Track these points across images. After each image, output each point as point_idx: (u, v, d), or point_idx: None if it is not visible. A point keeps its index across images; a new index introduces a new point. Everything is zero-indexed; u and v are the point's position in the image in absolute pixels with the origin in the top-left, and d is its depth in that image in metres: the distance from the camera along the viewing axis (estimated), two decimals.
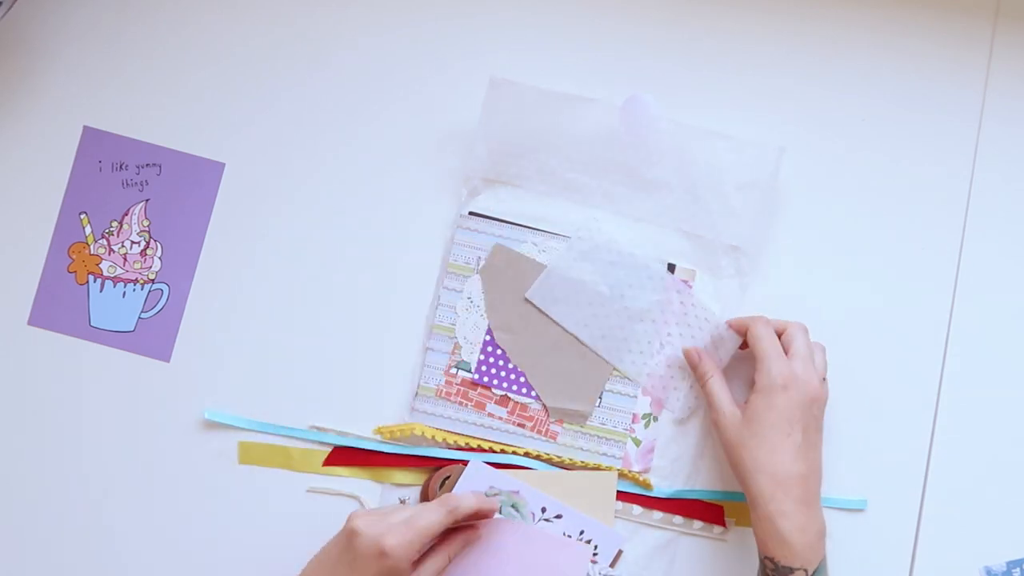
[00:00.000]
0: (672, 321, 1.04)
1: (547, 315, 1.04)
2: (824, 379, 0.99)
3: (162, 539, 1.05)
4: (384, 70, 1.09)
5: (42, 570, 1.05)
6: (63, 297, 1.07)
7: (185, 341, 1.07)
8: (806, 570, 0.92)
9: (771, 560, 0.92)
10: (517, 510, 1.02)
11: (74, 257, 1.08)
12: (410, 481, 1.04)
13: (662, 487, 1.04)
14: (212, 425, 1.06)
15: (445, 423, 1.05)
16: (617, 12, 1.09)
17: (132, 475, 1.05)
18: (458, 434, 1.04)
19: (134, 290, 1.08)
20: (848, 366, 1.04)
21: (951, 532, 1.03)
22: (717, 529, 1.04)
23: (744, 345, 1.01)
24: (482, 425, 1.04)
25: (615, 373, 1.04)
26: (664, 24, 1.09)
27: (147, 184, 1.09)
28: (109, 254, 1.08)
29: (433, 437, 1.04)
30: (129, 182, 1.09)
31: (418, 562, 0.94)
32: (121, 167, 1.09)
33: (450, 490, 1.01)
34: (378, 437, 1.05)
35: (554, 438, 1.04)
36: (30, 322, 1.07)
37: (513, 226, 1.07)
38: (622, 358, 1.04)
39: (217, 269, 1.08)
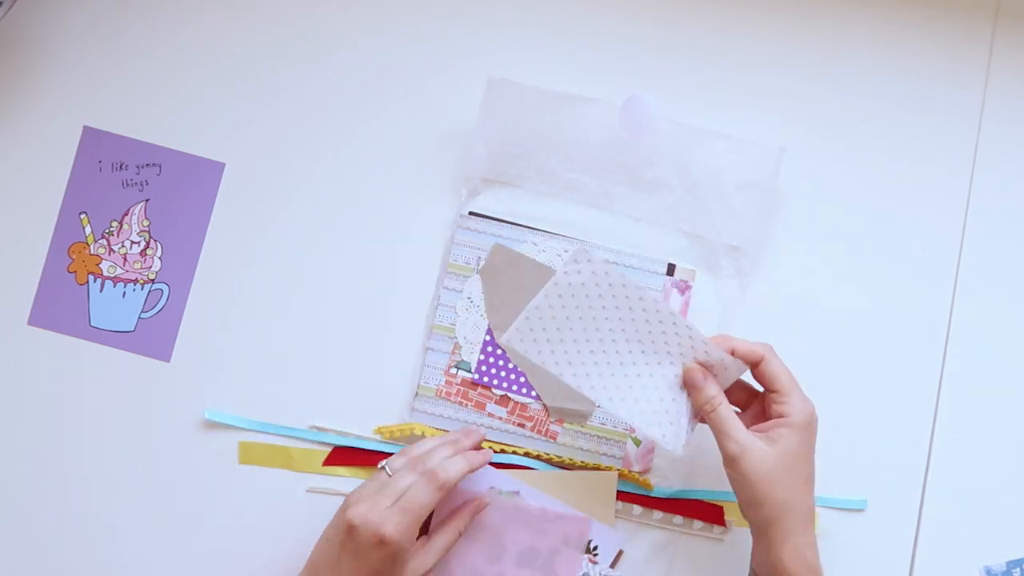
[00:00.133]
0: (664, 350, 0.95)
1: (527, 359, 0.96)
2: None
3: (162, 539, 1.05)
4: (384, 70, 1.09)
5: (42, 570, 1.05)
6: (63, 297, 1.07)
7: (185, 341, 1.07)
8: None
9: None
10: None
11: (74, 257, 1.08)
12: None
13: (662, 487, 1.04)
14: (212, 425, 1.06)
15: (445, 423, 1.05)
16: (617, 12, 1.09)
17: (132, 475, 1.05)
18: None
19: (134, 290, 1.08)
20: (848, 366, 1.04)
21: (951, 532, 1.02)
22: (717, 529, 1.04)
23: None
24: (482, 425, 1.04)
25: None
26: (664, 24, 1.09)
27: (147, 184, 1.09)
28: (109, 254, 1.08)
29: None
30: (129, 182, 1.09)
31: (429, 537, 0.97)
32: (121, 167, 1.09)
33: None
34: (378, 437, 1.05)
35: (554, 438, 1.04)
36: (30, 322, 1.07)
37: (513, 226, 1.07)
38: (611, 397, 0.96)
39: (217, 269, 1.08)
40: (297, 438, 1.05)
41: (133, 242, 1.08)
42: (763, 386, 0.95)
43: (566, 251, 1.06)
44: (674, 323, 0.94)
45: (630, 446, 1.04)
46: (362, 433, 1.05)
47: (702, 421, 0.96)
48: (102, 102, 1.09)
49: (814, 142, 1.07)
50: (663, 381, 0.95)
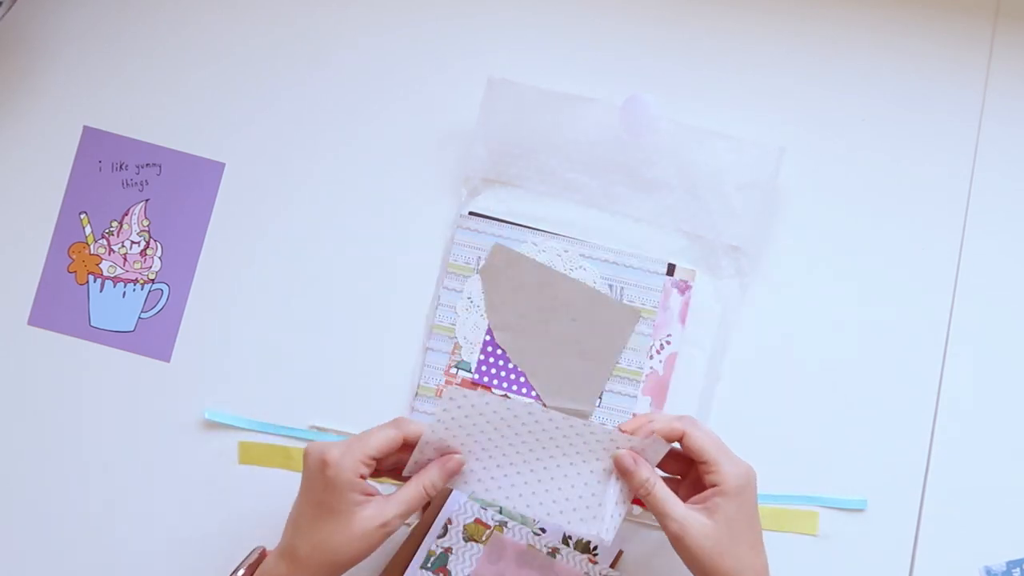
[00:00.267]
0: (584, 449, 0.94)
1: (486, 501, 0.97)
2: None
3: (162, 539, 1.05)
4: (384, 70, 1.09)
5: (42, 570, 1.05)
6: (63, 297, 1.07)
7: (185, 341, 1.07)
8: None
9: None
10: None
11: (74, 257, 1.08)
12: None
13: None
14: (212, 425, 1.06)
15: None
16: (617, 12, 1.09)
17: (132, 475, 1.05)
18: None
19: (134, 290, 1.08)
20: (848, 366, 1.04)
21: (951, 532, 1.02)
22: None
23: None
24: None
25: (614, 374, 1.04)
26: (664, 24, 1.09)
27: (147, 184, 1.09)
28: (109, 254, 1.08)
29: None
30: (129, 182, 1.09)
31: (395, 495, 0.92)
32: (121, 167, 1.09)
33: (450, 490, 1.01)
34: None
35: None
36: (30, 322, 1.07)
37: (513, 226, 1.07)
38: (541, 503, 0.94)
39: (217, 269, 1.08)
40: (297, 438, 1.05)
41: (133, 242, 1.08)
42: (692, 458, 0.94)
43: (566, 251, 1.06)
44: (572, 425, 0.92)
45: None
46: None
47: (639, 503, 0.96)
48: (102, 102, 1.09)
49: (814, 142, 1.07)
50: (590, 476, 0.94)
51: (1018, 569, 1.01)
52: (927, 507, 1.03)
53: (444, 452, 0.93)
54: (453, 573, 0.98)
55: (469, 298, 1.06)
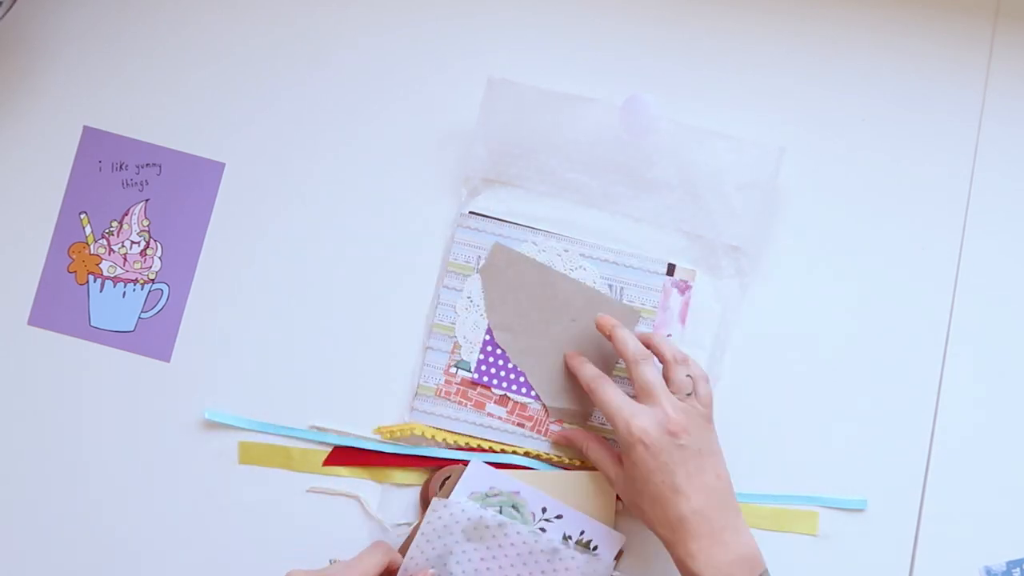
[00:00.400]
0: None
1: None
2: (692, 391, 0.97)
3: (162, 539, 1.05)
4: (384, 70, 1.09)
5: (42, 570, 1.05)
6: (63, 297, 1.07)
7: (185, 341, 1.07)
8: None
9: None
10: (517, 510, 1.02)
11: (74, 257, 1.08)
12: (410, 481, 1.04)
13: None
14: (212, 425, 1.06)
15: (445, 423, 1.05)
16: (617, 12, 1.09)
17: (132, 475, 1.05)
18: (458, 434, 1.04)
19: (134, 290, 1.08)
20: (848, 366, 1.04)
21: (951, 532, 1.02)
22: None
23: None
24: (482, 425, 1.04)
25: (614, 374, 1.04)
26: (664, 24, 1.09)
27: (147, 184, 1.09)
28: (109, 254, 1.08)
29: (433, 437, 1.04)
30: (129, 182, 1.09)
31: None
32: (121, 167, 1.09)
33: (451, 490, 1.01)
34: (378, 437, 1.05)
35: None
36: (30, 322, 1.07)
37: (513, 226, 1.07)
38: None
39: (217, 269, 1.08)
40: (297, 438, 1.05)
41: (133, 242, 1.08)
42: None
43: (566, 251, 1.06)
44: (553, 549, 0.98)
45: None
46: (362, 433, 1.05)
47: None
48: (102, 102, 1.09)
49: (814, 142, 1.07)
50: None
51: (1018, 569, 1.01)
52: (927, 507, 1.03)
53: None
54: (453, 573, 0.98)
55: (469, 297, 1.06)
